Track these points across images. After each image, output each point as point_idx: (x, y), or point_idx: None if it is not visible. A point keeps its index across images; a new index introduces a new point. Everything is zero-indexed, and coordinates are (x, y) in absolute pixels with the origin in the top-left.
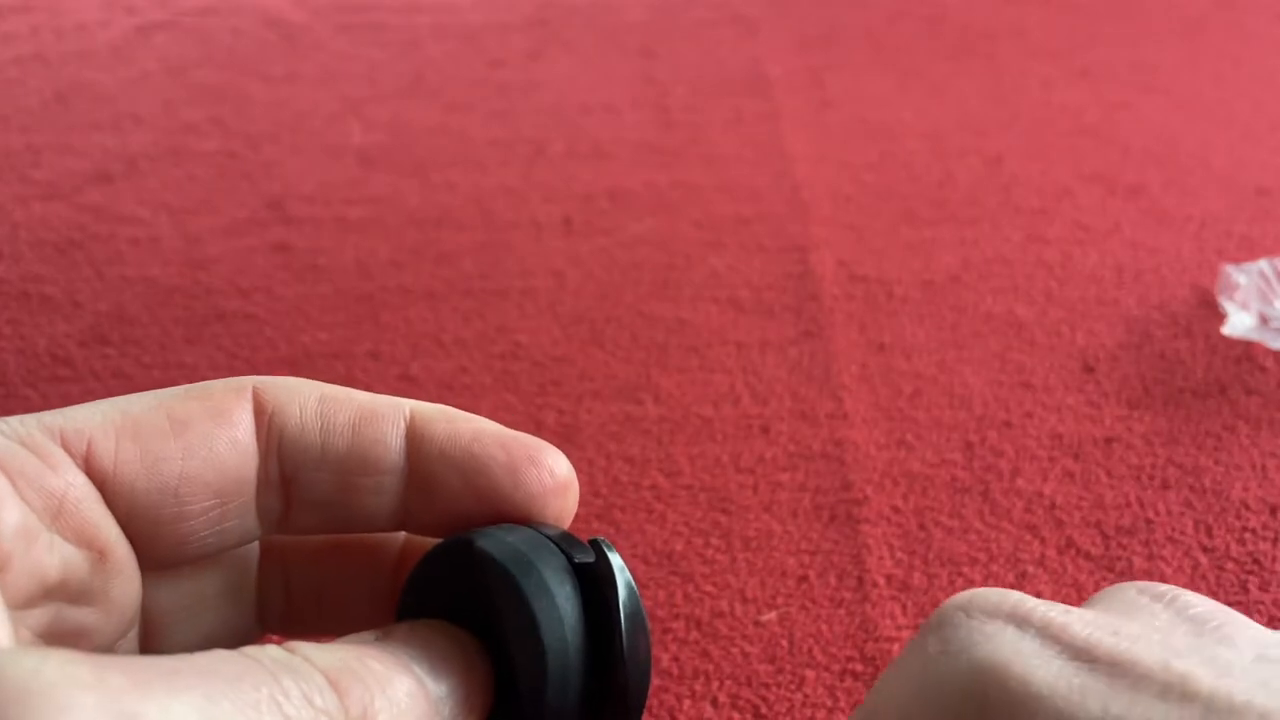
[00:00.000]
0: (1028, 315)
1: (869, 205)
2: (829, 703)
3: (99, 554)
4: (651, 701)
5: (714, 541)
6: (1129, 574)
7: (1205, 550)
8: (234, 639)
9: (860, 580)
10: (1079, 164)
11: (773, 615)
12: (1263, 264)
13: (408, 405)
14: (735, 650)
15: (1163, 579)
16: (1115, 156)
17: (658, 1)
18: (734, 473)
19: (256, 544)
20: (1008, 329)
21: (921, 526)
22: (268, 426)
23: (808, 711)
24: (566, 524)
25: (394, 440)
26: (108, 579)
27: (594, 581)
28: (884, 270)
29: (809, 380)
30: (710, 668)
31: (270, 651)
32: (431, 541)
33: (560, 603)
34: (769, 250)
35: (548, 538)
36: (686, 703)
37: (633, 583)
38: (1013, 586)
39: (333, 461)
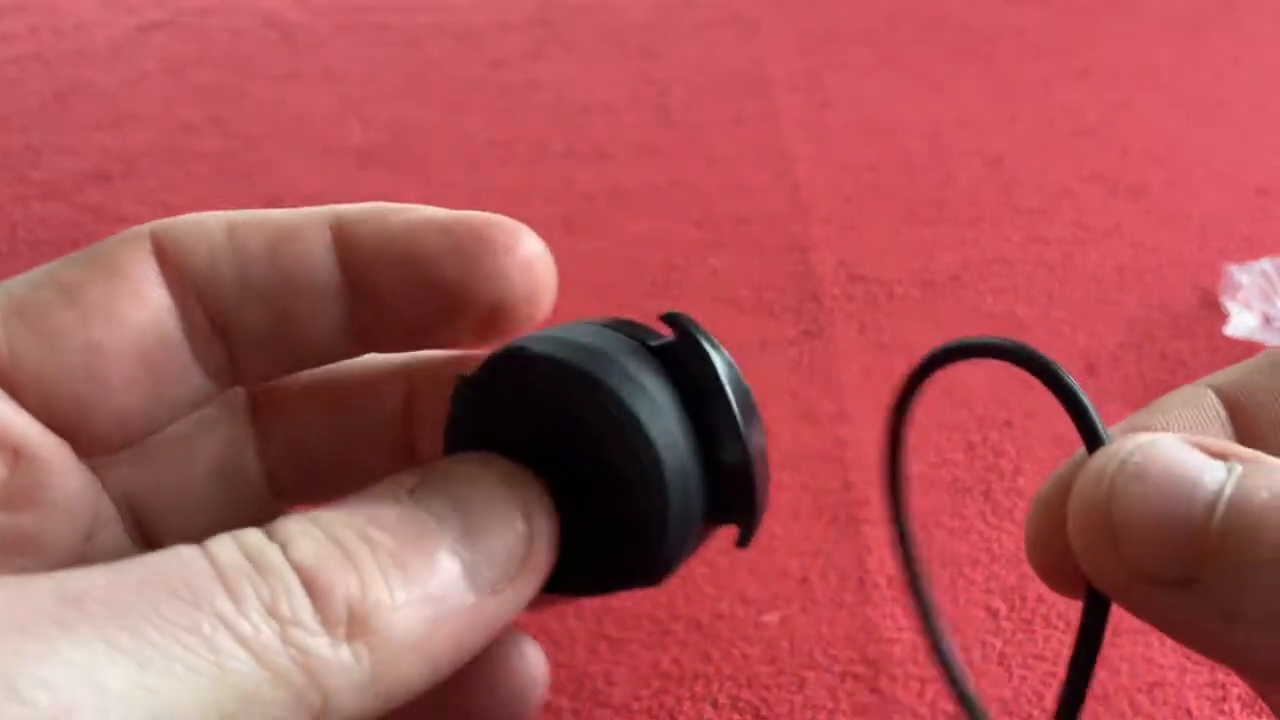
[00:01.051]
0: (1028, 315)
1: (869, 205)
2: (830, 704)
3: (12, 453)
4: (651, 703)
5: (714, 542)
6: None
7: None
8: (245, 519)
9: (861, 581)
10: (1079, 164)
11: (774, 617)
12: (1265, 264)
13: (331, 211)
14: (735, 652)
15: None
16: (1116, 156)
17: (658, 1)
18: None
19: (245, 414)
20: (1008, 329)
21: (923, 527)
22: (176, 270)
23: (808, 713)
24: (546, 306)
25: (320, 253)
26: (36, 477)
27: (679, 365)
28: (884, 270)
29: (809, 380)
30: (710, 669)
31: (235, 547)
32: (441, 362)
33: (656, 395)
34: (769, 250)
35: (605, 327)
36: (687, 704)
37: (729, 355)
38: (1013, 588)
39: (258, 292)
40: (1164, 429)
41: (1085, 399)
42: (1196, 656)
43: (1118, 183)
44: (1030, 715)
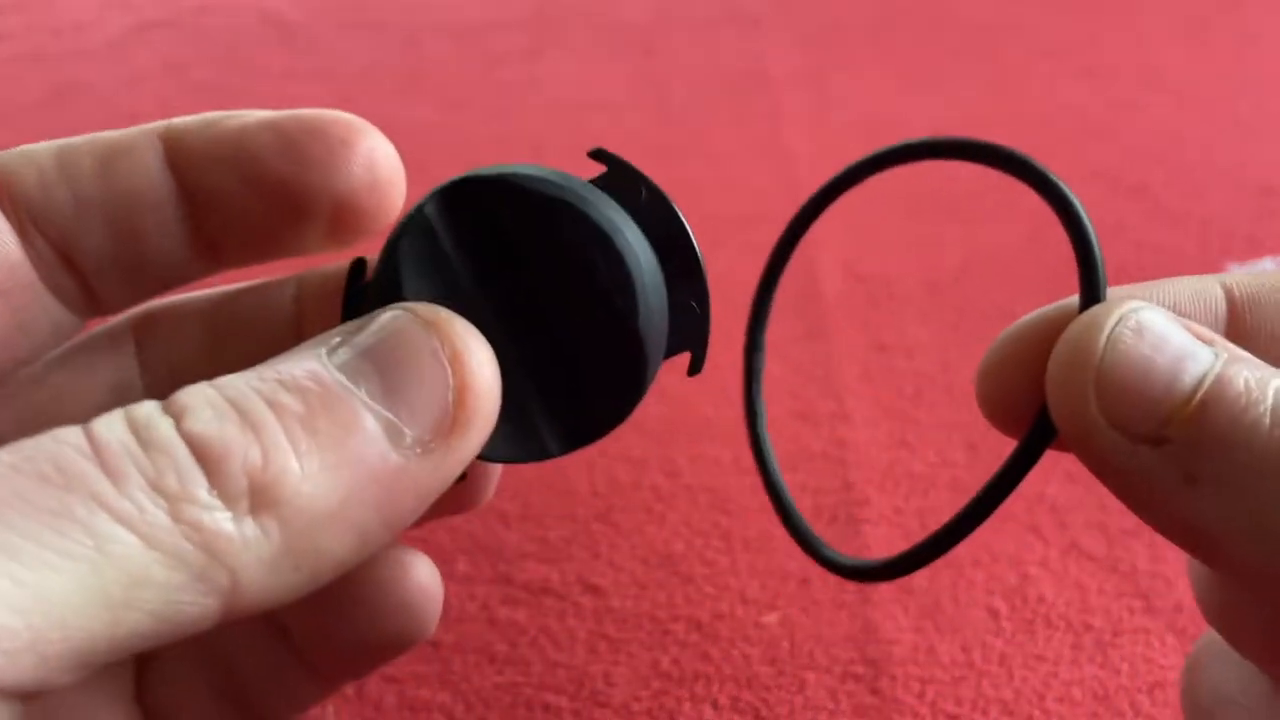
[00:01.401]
0: None
1: (870, 204)
2: (830, 705)
3: None
4: (651, 704)
5: (714, 543)
6: (1133, 575)
7: None
8: None
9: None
10: (1082, 163)
11: (774, 617)
12: (1267, 263)
13: (164, 123)
14: (735, 652)
15: (1166, 582)
16: (1118, 155)
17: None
18: (734, 473)
19: (130, 353)
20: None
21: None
22: (9, 198)
23: (809, 714)
24: (395, 202)
25: (153, 164)
26: None
27: (618, 195)
28: (886, 269)
29: (810, 380)
30: (710, 670)
31: (121, 423)
32: (325, 274)
33: (616, 213)
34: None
35: (538, 167)
36: (686, 705)
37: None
38: (1015, 589)
39: (95, 212)
40: (1162, 305)
41: (1097, 247)
42: None
43: (1120, 181)
44: (1031, 716)
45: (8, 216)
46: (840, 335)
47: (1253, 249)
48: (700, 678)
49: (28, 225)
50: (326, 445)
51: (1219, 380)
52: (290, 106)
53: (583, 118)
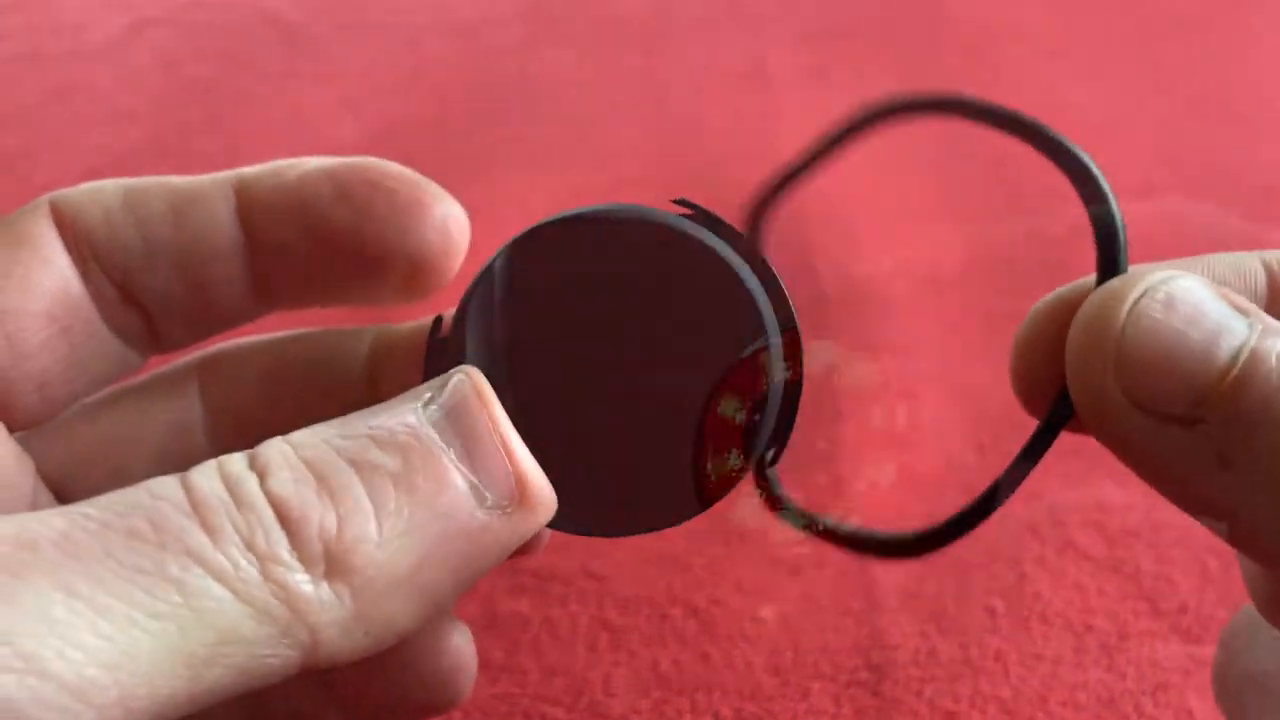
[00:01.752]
0: None
1: (871, 203)
2: (833, 710)
3: None
4: (651, 714)
5: (715, 544)
6: (1135, 576)
7: (1213, 553)
8: None
9: (864, 583)
10: None
11: (769, 612)
12: None
13: (236, 174)
14: (738, 661)
15: (1169, 582)
16: (1119, 154)
17: None
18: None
19: (194, 394)
20: (1012, 329)
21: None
22: (72, 235)
23: (810, 718)
24: (459, 250)
25: (224, 215)
26: None
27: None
28: (886, 269)
29: (809, 380)
30: (713, 678)
31: (217, 476)
32: (402, 333)
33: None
34: (769, 250)
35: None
36: (687, 716)
37: None
38: (1013, 589)
39: (164, 257)
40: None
41: (1118, 215)
42: (1200, 657)
43: (1121, 181)
44: (1033, 717)
45: (70, 252)
46: (841, 335)
47: (1254, 249)
48: (702, 687)
49: (90, 262)
50: (420, 502)
51: (1253, 355)
52: (290, 107)
53: (582, 116)
